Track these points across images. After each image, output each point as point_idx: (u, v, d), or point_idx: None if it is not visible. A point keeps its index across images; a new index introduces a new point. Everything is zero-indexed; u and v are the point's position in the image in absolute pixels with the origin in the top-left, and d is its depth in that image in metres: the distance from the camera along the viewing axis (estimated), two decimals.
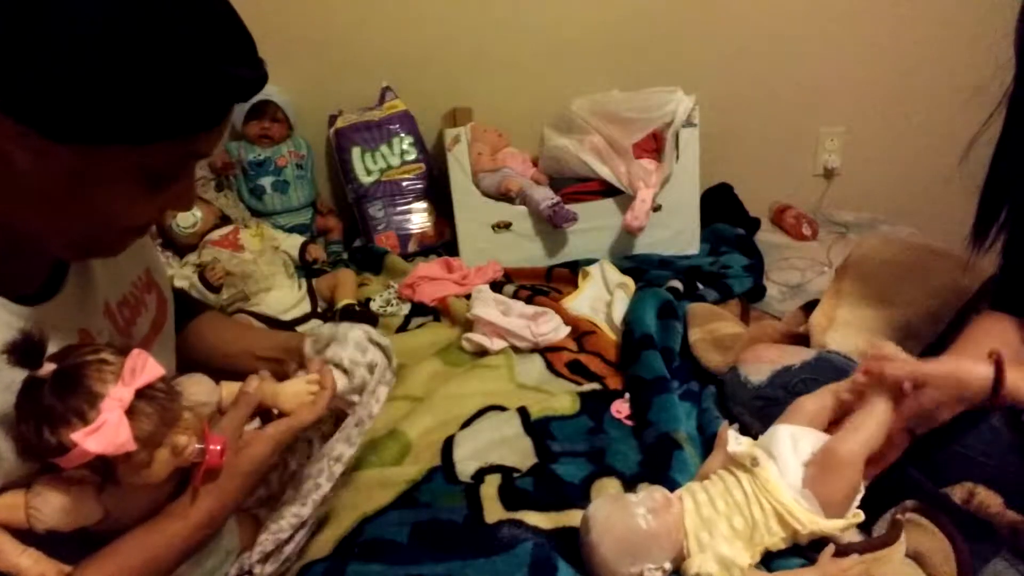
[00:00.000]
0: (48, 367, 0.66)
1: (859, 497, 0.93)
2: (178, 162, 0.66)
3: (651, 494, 0.94)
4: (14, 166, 0.60)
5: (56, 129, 0.58)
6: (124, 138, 0.60)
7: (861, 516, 0.92)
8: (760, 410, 1.18)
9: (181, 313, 1.00)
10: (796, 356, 1.21)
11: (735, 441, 0.98)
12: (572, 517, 1.01)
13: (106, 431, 0.63)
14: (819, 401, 1.02)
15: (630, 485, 1.11)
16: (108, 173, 0.62)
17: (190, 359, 0.98)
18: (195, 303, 1.06)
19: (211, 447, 0.75)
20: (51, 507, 0.69)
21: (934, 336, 1.25)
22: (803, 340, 1.37)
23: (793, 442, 0.96)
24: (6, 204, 0.64)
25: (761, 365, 1.21)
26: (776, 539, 0.90)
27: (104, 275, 0.80)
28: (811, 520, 0.90)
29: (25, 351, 0.65)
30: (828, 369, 1.16)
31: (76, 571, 0.70)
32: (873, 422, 0.93)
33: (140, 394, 0.67)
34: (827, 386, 1.03)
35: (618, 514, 0.91)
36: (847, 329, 1.30)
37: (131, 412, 0.65)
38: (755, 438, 1.18)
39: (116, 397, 0.65)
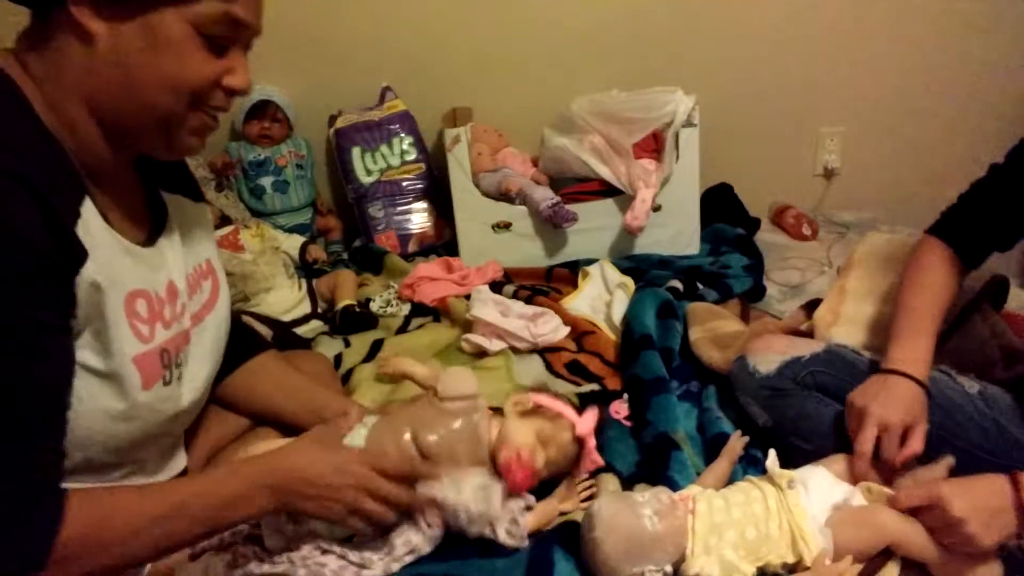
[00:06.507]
0: None
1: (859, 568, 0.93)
2: (225, 24, 0.76)
3: (658, 496, 0.94)
4: (98, 52, 0.73)
5: None
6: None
7: (855, 571, 0.92)
8: (767, 400, 1.17)
9: (239, 350, 1.06)
10: (805, 348, 1.20)
11: (774, 461, 0.98)
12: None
13: None
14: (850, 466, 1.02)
15: (628, 485, 1.11)
16: (169, 39, 0.73)
17: (239, 400, 1.06)
18: (252, 343, 1.11)
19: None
20: None
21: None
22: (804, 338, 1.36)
23: (830, 485, 0.97)
24: (104, 93, 0.75)
25: (770, 355, 1.20)
26: (778, 562, 0.91)
27: (175, 256, 0.90)
28: (820, 553, 0.90)
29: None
30: (838, 362, 1.16)
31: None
32: (922, 538, 0.92)
33: None
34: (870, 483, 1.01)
35: (624, 514, 0.91)
36: (852, 326, 1.30)
37: None
38: (762, 428, 1.18)
39: None
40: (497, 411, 1.22)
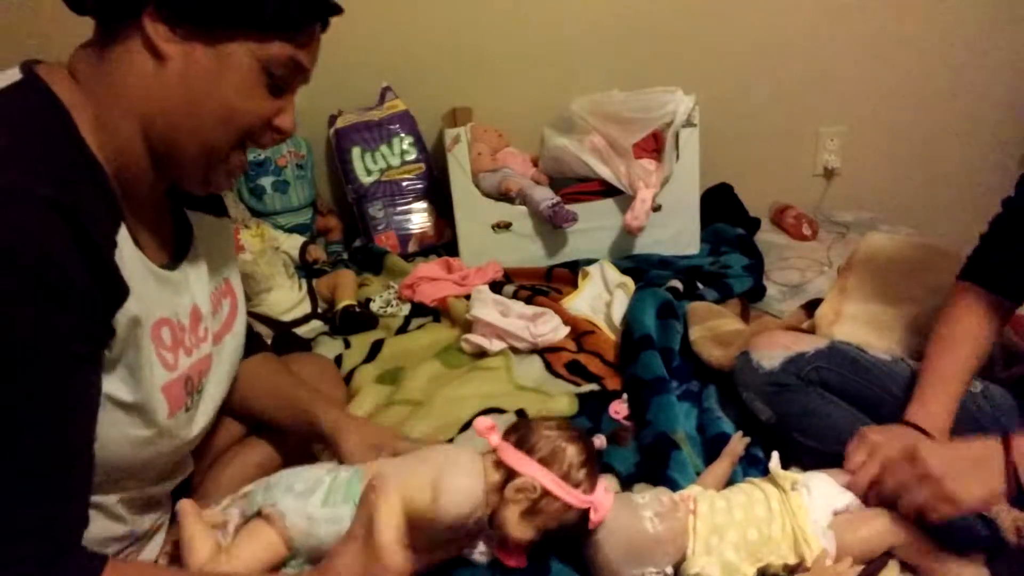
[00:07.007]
0: None
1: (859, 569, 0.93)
2: (289, 67, 0.79)
3: (659, 497, 0.94)
4: (166, 70, 0.73)
5: (191, 14, 0.72)
6: (244, 23, 0.74)
7: (854, 572, 0.92)
8: (771, 396, 1.17)
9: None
10: (809, 343, 1.20)
11: (777, 463, 0.98)
12: None
13: None
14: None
15: (627, 485, 1.11)
16: (239, 69, 0.75)
17: (232, 402, 1.03)
18: (250, 343, 1.08)
19: None
20: None
21: None
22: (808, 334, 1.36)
23: (833, 490, 0.97)
24: (162, 112, 0.75)
25: (774, 351, 1.20)
26: (780, 563, 0.91)
27: (199, 277, 0.90)
28: (820, 553, 0.90)
29: None
30: (841, 358, 1.16)
31: None
32: (919, 542, 0.94)
33: None
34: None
35: (625, 516, 0.91)
36: (854, 323, 1.30)
37: None
38: (765, 424, 1.18)
39: None
40: (497, 411, 1.22)
